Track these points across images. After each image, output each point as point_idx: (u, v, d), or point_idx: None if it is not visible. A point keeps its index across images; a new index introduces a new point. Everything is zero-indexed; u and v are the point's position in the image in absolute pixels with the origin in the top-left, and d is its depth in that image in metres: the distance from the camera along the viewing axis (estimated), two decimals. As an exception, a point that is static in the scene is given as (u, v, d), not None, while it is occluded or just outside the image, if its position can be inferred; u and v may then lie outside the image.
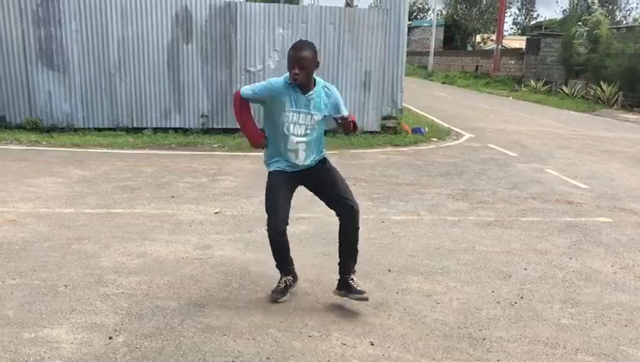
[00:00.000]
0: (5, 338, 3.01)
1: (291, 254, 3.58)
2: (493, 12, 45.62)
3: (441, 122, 13.43)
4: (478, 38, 49.06)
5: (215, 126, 10.21)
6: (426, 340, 3.19)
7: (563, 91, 22.55)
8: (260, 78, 10.13)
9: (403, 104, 11.57)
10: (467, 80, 31.58)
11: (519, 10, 55.32)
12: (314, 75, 3.31)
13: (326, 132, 3.62)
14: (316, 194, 3.56)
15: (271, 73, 10.11)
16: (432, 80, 34.28)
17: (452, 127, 12.69)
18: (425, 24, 48.98)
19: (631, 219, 5.88)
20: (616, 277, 4.28)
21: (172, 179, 6.76)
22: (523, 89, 25.30)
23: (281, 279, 3.60)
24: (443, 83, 31.88)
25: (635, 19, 37.99)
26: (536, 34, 32.09)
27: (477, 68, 34.37)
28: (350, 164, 7.86)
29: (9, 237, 4.54)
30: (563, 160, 9.26)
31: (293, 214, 5.11)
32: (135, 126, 9.91)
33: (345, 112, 3.33)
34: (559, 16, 44.94)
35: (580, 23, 23.42)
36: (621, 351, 3.16)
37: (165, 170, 7.32)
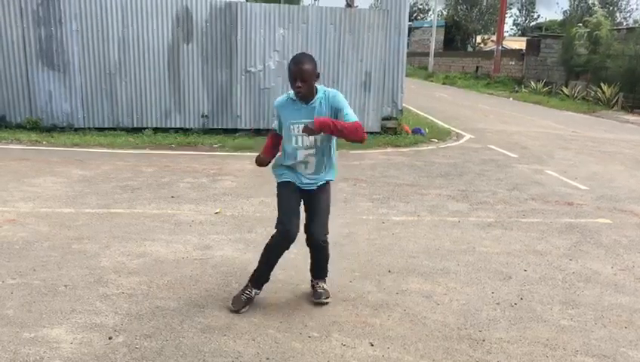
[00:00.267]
0: (5, 337, 3.01)
1: (291, 255, 3.58)
2: (493, 13, 45.66)
3: (441, 123, 13.44)
4: (479, 38, 49.08)
5: (215, 126, 10.22)
6: (425, 341, 3.19)
7: (563, 92, 22.56)
8: (260, 78, 10.16)
9: (403, 105, 11.58)
10: (467, 81, 31.60)
11: (519, 11, 55.40)
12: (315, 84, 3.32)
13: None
14: (304, 206, 3.55)
15: (271, 73, 10.13)
16: (432, 81, 34.30)
17: (452, 128, 12.69)
18: (425, 25, 49.05)
19: (631, 221, 5.88)
20: (616, 278, 4.28)
21: (172, 179, 6.76)
22: (523, 90, 25.31)
23: (249, 288, 3.49)
24: (443, 84, 31.90)
25: (635, 21, 38.10)
26: (537, 35, 32.16)
27: (477, 69, 34.39)
28: (350, 165, 7.86)
29: (9, 237, 4.54)
30: (563, 161, 9.26)
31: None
32: (135, 126, 9.91)
33: (350, 117, 3.26)
34: (559, 17, 45.00)
35: (581, 25, 23.43)
36: (621, 353, 3.16)
37: (165, 170, 7.32)
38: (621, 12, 42.53)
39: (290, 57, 3.35)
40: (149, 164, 7.59)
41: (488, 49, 40.70)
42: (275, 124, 3.52)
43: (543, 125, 14.37)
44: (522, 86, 26.20)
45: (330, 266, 3.74)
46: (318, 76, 3.27)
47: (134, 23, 9.61)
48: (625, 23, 37.55)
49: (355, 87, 10.44)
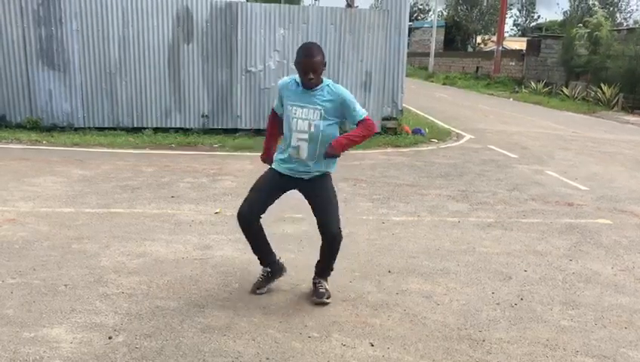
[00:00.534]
0: (5, 337, 3.01)
1: (292, 255, 3.58)
2: (493, 13, 45.64)
3: (441, 123, 13.44)
4: (479, 39, 49.08)
5: (215, 126, 10.22)
6: (425, 341, 3.18)
7: (563, 93, 22.56)
8: (260, 78, 10.16)
9: (403, 105, 11.58)
10: (468, 81, 31.59)
11: (520, 11, 55.38)
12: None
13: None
14: (309, 203, 3.57)
15: (271, 73, 10.12)
16: (432, 81, 34.29)
17: (452, 128, 12.69)
18: (425, 25, 49.04)
19: (631, 221, 5.88)
20: (617, 279, 4.28)
21: (172, 179, 6.76)
22: (523, 90, 25.30)
23: (262, 270, 3.70)
24: (443, 84, 31.89)
25: (635, 22, 38.07)
26: (537, 35, 32.15)
27: (477, 69, 34.39)
28: (350, 165, 7.86)
29: (9, 237, 4.54)
30: (563, 161, 9.26)
31: (293, 215, 5.11)
32: (135, 125, 9.91)
33: (359, 113, 3.34)
34: (560, 17, 44.97)
35: (581, 25, 23.42)
36: (621, 353, 3.15)
37: (165, 169, 7.32)
38: (621, 13, 42.56)
39: (292, 55, 3.38)
40: (149, 164, 7.59)
41: (488, 49, 40.69)
42: (275, 103, 3.59)
43: (543, 125, 14.37)
44: (522, 86, 26.19)
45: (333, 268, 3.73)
46: (325, 65, 3.34)
47: (135, 23, 9.61)
48: (625, 24, 37.53)
49: (356, 87, 10.42)
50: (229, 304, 3.52)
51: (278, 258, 3.74)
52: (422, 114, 15.10)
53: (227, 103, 10.19)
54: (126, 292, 3.63)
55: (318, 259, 3.63)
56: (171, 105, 10.02)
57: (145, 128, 9.86)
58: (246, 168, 7.53)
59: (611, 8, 39.43)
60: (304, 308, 3.52)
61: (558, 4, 65.61)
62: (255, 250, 3.66)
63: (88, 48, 9.54)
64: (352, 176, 7.26)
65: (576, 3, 41.49)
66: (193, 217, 5.29)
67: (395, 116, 11.05)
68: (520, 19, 56.05)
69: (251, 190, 3.54)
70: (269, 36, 10.05)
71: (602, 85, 20.34)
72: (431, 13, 53.13)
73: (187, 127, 10.10)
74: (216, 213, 5.48)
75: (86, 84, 9.66)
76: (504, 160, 9.16)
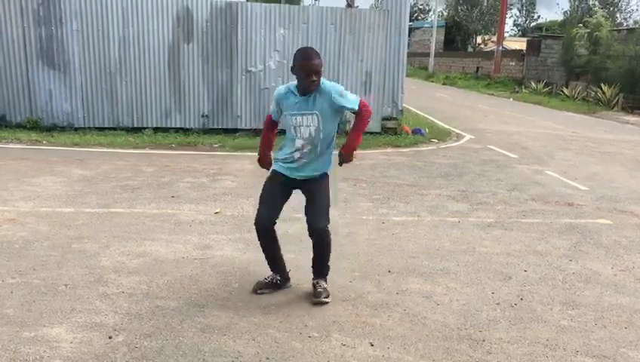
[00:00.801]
0: (5, 337, 3.01)
1: (292, 255, 3.59)
2: (494, 13, 45.63)
3: (441, 123, 13.44)
4: (479, 39, 49.07)
5: (215, 126, 10.22)
6: (425, 341, 3.19)
7: (563, 93, 22.55)
8: (260, 78, 10.16)
9: (403, 105, 11.57)
10: (468, 81, 31.59)
11: (520, 11, 55.37)
12: None
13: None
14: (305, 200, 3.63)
15: (271, 73, 10.13)
16: (432, 81, 34.29)
17: (452, 129, 12.69)
18: (426, 25, 49.04)
19: (631, 221, 5.88)
20: (616, 279, 4.28)
21: (172, 179, 6.76)
22: (523, 90, 25.30)
23: (268, 276, 3.74)
24: (444, 84, 31.89)
25: (635, 22, 38.07)
26: (537, 35, 32.14)
27: (477, 69, 34.38)
28: (350, 165, 7.81)
29: (9, 236, 4.54)
30: (563, 161, 9.26)
31: (293, 214, 5.12)
32: (135, 125, 9.92)
33: (353, 103, 3.44)
34: (560, 17, 44.94)
35: (581, 25, 23.42)
36: (621, 353, 3.15)
37: (165, 169, 7.32)
38: (621, 13, 42.54)
39: (292, 55, 3.39)
40: (149, 164, 7.59)
41: (489, 49, 40.68)
42: (271, 109, 3.59)
43: (543, 126, 14.37)
44: (522, 86, 26.18)
45: (330, 266, 3.74)
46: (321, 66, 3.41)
47: (135, 23, 9.61)
48: (625, 24, 37.53)
49: (356, 87, 10.42)
50: (229, 304, 3.52)
51: (288, 270, 3.78)
52: (422, 114, 15.10)
53: (227, 103, 10.20)
54: (126, 292, 3.63)
55: (313, 258, 3.66)
56: (171, 105, 10.02)
57: (145, 128, 9.87)
58: (246, 168, 7.53)
59: (611, 8, 39.42)
60: (304, 308, 3.52)
61: (558, 4, 65.71)
62: (268, 257, 3.69)
63: (88, 48, 9.54)
64: (352, 176, 7.25)
65: (577, 3, 41.49)
66: (193, 217, 5.29)
67: (395, 116, 11.05)
68: (520, 20, 56.08)
69: (262, 197, 3.56)
70: (269, 36, 10.05)
71: (602, 85, 20.33)
72: (431, 13, 53.18)
73: (187, 127, 10.10)
74: (216, 212, 5.48)
75: (86, 83, 9.67)
76: (504, 160, 9.16)
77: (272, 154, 3.69)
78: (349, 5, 23.76)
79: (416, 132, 11.21)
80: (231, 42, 9.97)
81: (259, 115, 10.19)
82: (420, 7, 58.33)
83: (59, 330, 3.11)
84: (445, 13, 53.28)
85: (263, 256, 3.77)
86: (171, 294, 3.63)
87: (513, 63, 30.34)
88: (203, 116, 10.16)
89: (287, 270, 3.78)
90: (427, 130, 11.67)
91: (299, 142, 3.44)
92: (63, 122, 9.69)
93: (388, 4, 10.59)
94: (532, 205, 6.35)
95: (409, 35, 16.83)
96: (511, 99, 22.97)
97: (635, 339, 3.33)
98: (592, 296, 3.92)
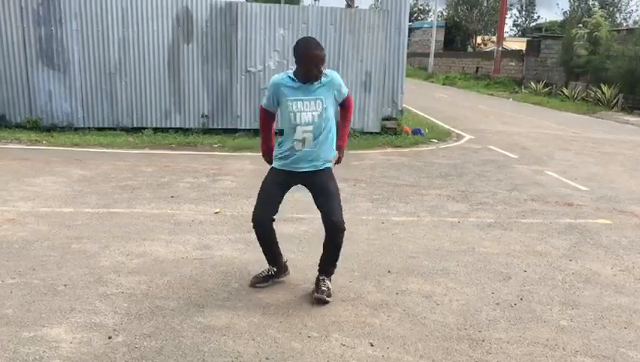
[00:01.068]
0: (4, 337, 3.01)
1: (292, 255, 3.60)
2: (493, 14, 45.65)
3: (441, 123, 13.44)
4: (479, 39, 49.08)
5: (215, 126, 10.22)
6: (425, 341, 3.19)
7: (563, 93, 22.55)
8: (260, 78, 10.16)
9: (403, 105, 11.57)
10: (467, 81, 31.59)
11: (519, 12, 55.39)
12: None
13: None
14: (313, 197, 3.60)
15: (271, 74, 10.09)
16: (432, 81, 34.30)
17: (452, 129, 12.69)
18: (425, 25, 49.06)
19: (631, 222, 5.88)
20: (616, 279, 4.28)
21: (172, 179, 6.76)
22: (523, 91, 25.31)
23: (264, 269, 3.79)
24: (443, 84, 31.90)
25: (635, 22, 38.07)
26: (537, 36, 32.14)
27: (477, 69, 34.39)
28: (350, 165, 7.86)
29: (9, 237, 4.54)
30: (563, 162, 9.26)
31: (293, 215, 5.11)
32: (135, 126, 9.91)
33: (345, 90, 3.56)
34: (560, 18, 44.95)
35: (581, 25, 23.42)
36: (620, 353, 3.16)
37: (165, 169, 7.32)
38: (621, 13, 42.55)
39: (292, 55, 3.40)
40: (148, 164, 7.59)
41: (488, 50, 40.68)
42: (265, 102, 3.57)
43: (543, 126, 14.38)
44: (522, 87, 26.19)
45: (337, 266, 3.74)
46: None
47: (134, 23, 9.61)
48: (625, 24, 37.54)
49: (356, 87, 10.43)
50: (229, 304, 3.52)
51: (285, 260, 3.82)
52: (422, 114, 15.10)
53: (227, 103, 10.20)
54: (126, 292, 3.63)
55: (322, 255, 3.63)
56: (171, 105, 10.02)
57: (145, 128, 9.86)
58: (246, 168, 7.53)
59: (611, 8, 39.43)
60: (304, 308, 3.52)
61: (557, 4, 65.67)
62: (266, 253, 3.73)
63: (88, 48, 9.54)
64: (351, 176, 7.26)
65: (576, 3, 41.52)
66: (193, 217, 5.29)
67: (395, 116, 11.05)
68: (520, 20, 56.10)
69: (260, 194, 3.58)
70: (269, 36, 10.05)
71: (602, 85, 20.34)
72: (431, 13, 53.19)
73: (187, 127, 10.10)
74: (216, 213, 5.48)
75: (86, 84, 9.66)
76: (504, 160, 9.16)
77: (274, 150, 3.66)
78: (349, 5, 23.77)
79: (416, 132, 11.21)
80: (231, 42, 9.97)
81: (259, 115, 10.17)
82: (420, 7, 58.37)
83: (58, 330, 3.11)
84: (445, 14, 53.31)
85: (262, 256, 3.77)
86: (171, 294, 3.63)
87: (513, 64, 30.34)
88: (203, 116, 10.16)
89: (285, 260, 3.81)
90: (427, 130, 11.67)
91: (299, 130, 3.40)
92: (63, 122, 9.69)
93: (388, 4, 10.59)
94: (532, 205, 6.35)
95: (409, 36, 16.83)
96: (511, 100, 22.97)
97: (635, 339, 3.33)
98: (591, 296, 3.92)
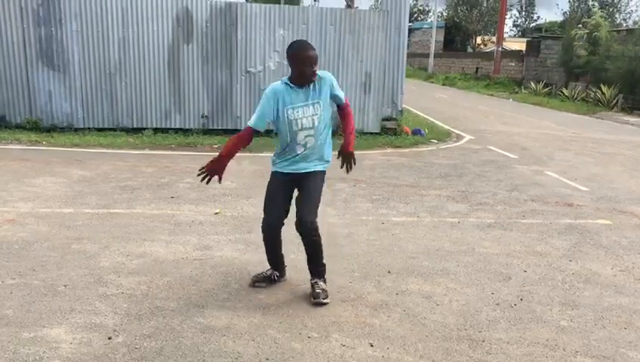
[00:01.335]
0: (4, 337, 3.01)
1: (292, 255, 3.60)
2: (493, 14, 45.65)
3: (441, 124, 13.44)
4: (479, 39, 49.07)
5: (215, 126, 10.22)
6: (425, 341, 3.18)
7: (563, 93, 22.56)
8: (260, 79, 10.16)
9: (403, 105, 11.58)
10: (467, 82, 31.59)
11: (519, 12, 55.40)
12: None
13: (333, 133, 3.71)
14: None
15: (271, 74, 10.13)
16: (432, 82, 34.31)
17: (452, 129, 12.69)
18: (425, 26, 49.06)
19: (631, 222, 5.88)
20: (616, 279, 4.28)
21: (172, 180, 6.76)
22: (523, 91, 25.31)
23: (267, 270, 3.82)
24: (443, 85, 31.90)
25: (635, 22, 38.05)
26: (537, 36, 32.14)
27: (477, 70, 34.39)
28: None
29: (9, 237, 4.54)
30: (563, 162, 9.26)
31: (293, 215, 5.09)
32: (135, 126, 9.92)
33: (341, 95, 3.60)
34: (559, 18, 44.93)
35: (580, 26, 23.43)
36: (620, 354, 3.16)
37: (165, 170, 7.32)
38: (621, 13, 42.54)
39: (288, 49, 3.41)
40: (148, 165, 7.59)
41: (488, 50, 40.67)
42: (254, 121, 3.42)
43: (542, 126, 14.38)
44: (522, 87, 26.19)
45: (330, 266, 3.75)
46: None
47: (134, 23, 9.61)
48: (625, 25, 37.52)
49: (355, 88, 10.44)
50: (229, 304, 3.52)
51: (285, 265, 3.86)
52: (422, 114, 15.10)
53: (227, 104, 10.20)
54: (126, 292, 3.63)
55: (307, 259, 3.68)
56: (171, 105, 10.02)
57: (145, 129, 9.87)
58: (246, 169, 7.53)
59: (611, 9, 39.42)
60: (304, 308, 3.52)
61: (557, 5, 65.73)
62: (271, 257, 3.76)
63: (88, 49, 9.54)
64: (351, 176, 7.23)
65: (576, 4, 41.51)
66: (193, 218, 5.29)
67: (394, 117, 11.05)
68: (520, 20, 56.10)
69: (267, 201, 3.59)
70: (269, 37, 10.06)
71: (602, 86, 20.34)
72: (431, 13, 53.20)
73: (187, 127, 10.10)
74: (216, 213, 5.48)
75: (86, 84, 9.67)
76: (504, 160, 9.16)
77: (272, 157, 3.67)
78: (349, 6, 23.76)
79: (415, 132, 11.21)
80: (230, 43, 9.98)
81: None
82: (420, 7, 58.37)
83: (58, 331, 3.11)
84: (445, 14, 53.31)
85: (262, 256, 3.78)
86: (171, 295, 3.63)
87: (513, 64, 30.35)
88: (203, 117, 10.16)
89: (284, 266, 3.85)
90: (427, 130, 11.67)
91: (301, 136, 3.43)
92: (63, 123, 9.69)
93: (387, 4, 10.59)
94: (532, 205, 6.35)
95: (409, 36, 16.82)
96: (510, 100, 22.97)
97: (635, 339, 3.33)
98: (591, 297, 3.92)
